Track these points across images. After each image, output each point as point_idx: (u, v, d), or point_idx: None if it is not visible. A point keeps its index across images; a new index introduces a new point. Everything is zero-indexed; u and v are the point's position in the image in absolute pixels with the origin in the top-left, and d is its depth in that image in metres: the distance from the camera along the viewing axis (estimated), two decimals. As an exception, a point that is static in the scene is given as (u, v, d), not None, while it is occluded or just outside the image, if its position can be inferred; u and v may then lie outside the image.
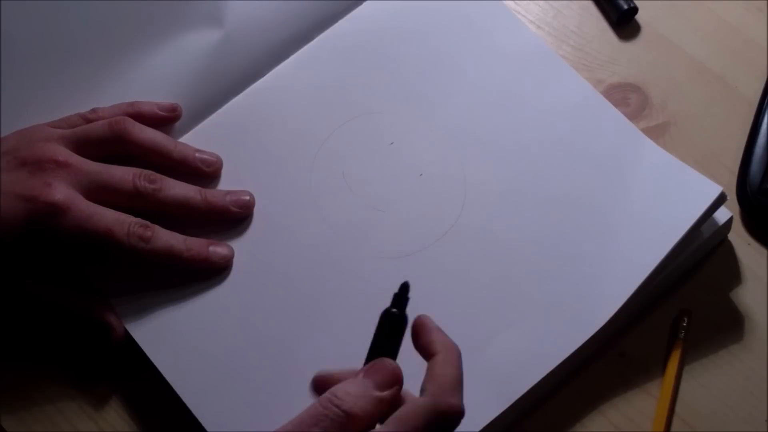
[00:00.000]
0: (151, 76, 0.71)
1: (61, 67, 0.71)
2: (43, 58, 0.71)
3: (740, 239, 0.68)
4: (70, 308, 0.65)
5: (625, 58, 0.74)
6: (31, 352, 0.65)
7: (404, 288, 0.55)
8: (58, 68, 0.71)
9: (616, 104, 0.70)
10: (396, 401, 0.53)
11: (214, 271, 0.65)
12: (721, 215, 0.66)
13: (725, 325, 0.66)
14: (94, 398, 0.65)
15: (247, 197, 0.67)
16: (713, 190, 0.64)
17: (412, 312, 0.55)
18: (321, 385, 0.55)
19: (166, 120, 0.69)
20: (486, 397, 0.61)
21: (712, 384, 0.64)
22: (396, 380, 0.53)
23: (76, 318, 0.65)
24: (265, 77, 0.72)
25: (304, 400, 0.61)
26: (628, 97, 0.73)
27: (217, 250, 0.65)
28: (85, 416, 0.64)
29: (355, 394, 0.52)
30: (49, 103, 0.69)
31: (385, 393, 0.53)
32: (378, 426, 0.52)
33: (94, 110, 0.68)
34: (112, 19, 0.72)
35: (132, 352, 0.64)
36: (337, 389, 0.52)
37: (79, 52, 0.72)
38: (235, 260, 0.66)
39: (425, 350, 0.55)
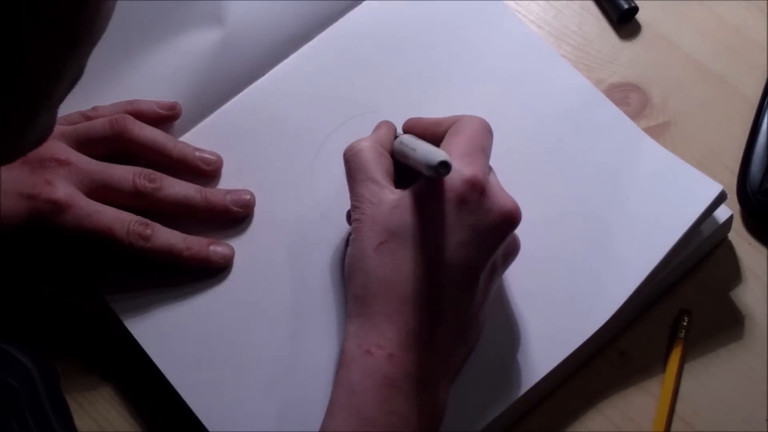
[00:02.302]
0: (152, 76, 0.71)
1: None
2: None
3: (740, 239, 0.68)
4: (70, 306, 0.66)
5: (625, 58, 0.74)
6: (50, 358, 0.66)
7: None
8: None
9: (616, 104, 0.70)
10: None
11: (215, 270, 0.65)
12: (722, 214, 0.66)
13: (725, 325, 0.66)
14: (94, 398, 0.65)
15: (248, 196, 0.67)
16: (713, 189, 0.64)
17: None
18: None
19: (165, 118, 0.69)
20: (486, 396, 0.61)
21: (712, 384, 0.64)
22: None
23: (76, 315, 0.65)
24: (265, 76, 0.72)
25: (304, 399, 0.61)
26: (628, 97, 0.73)
27: (218, 249, 0.65)
28: (86, 416, 0.64)
29: None
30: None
31: None
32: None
33: (94, 108, 0.68)
34: (113, 19, 0.72)
35: (133, 351, 0.64)
36: None
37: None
38: (235, 259, 0.66)
39: (443, 126, 0.62)
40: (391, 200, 0.58)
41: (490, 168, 0.60)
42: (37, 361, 0.57)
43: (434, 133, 0.62)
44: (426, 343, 0.55)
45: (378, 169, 0.60)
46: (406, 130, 0.64)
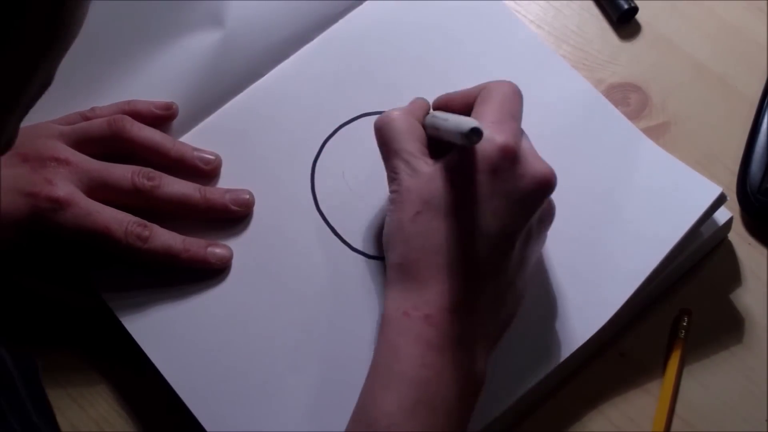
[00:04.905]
0: (152, 77, 0.71)
1: (63, 67, 0.70)
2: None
3: (740, 239, 0.68)
4: (68, 306, 0.66)
5: (625, 58, 0.74)
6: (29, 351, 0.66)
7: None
8: (59, 69, 0.71)
9: (616, 104, 0.70)
10: None
11: (213, 272, 0.65)
12: (721, 215, 0.66)
13: (725, 325, 0.66)
14: (94, 398, 0.65)
15: (247, 196, 0.67)
16: (713, 191, 0.64)
17: None
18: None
19: (162, 118, 0.69)
20: (486, 396, 0.60)
21: (712, 384, 0.64)
22: None
23: (75, 314, 0.65)
24: (265, 77, 0.72)
25: (302, 399, 0.61)
26: (628, 97, 0.73)
27: (216, 251, 0.65)
28: (85, 416, 0.64)
29: None
30: (50, 103, 0.69)
31: None
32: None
33: (92, 109, 0.69)
34: (113, 20, 0.72)
35: (132, 351, 0.64)
36: None
37: (81, 52, 0.71)
38: (234, 259, 0.66)
39: (472, 96, 0.61)
40: (426, 172, 0.58)
41: (523, 132, 0.60)
42: (15, 356, 0.56)
43: (464, 104, 0.62)
44: (463, 306, 0.56)
45: (411, 139, 0.60)
46: (436, 107, 0.64)
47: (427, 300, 0.56)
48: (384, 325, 0.57)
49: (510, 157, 0.57)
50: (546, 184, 0.58)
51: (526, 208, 0.58)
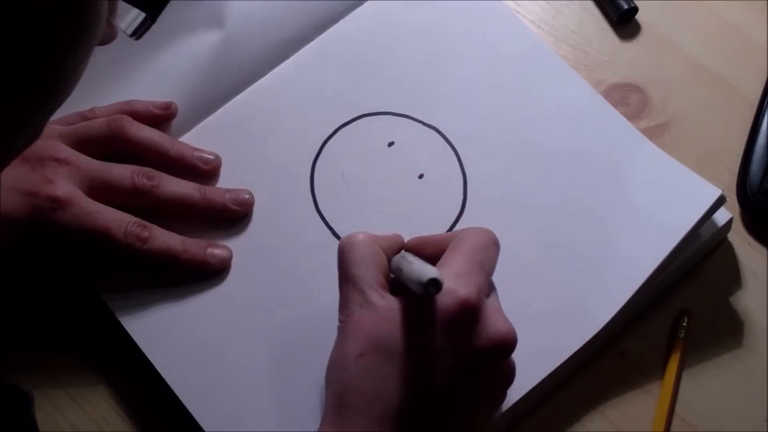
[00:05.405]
0: (152, 76, 0.71)
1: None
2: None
3: (740, 239, 0.68)
4: (68, 306, 0.66)
5: (625, 58, 0.74)
6: (28, 352, 0.66)
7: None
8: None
9: (616, 104, 0.70)
10: None
11: (213, 272, 0.65)
12: (721, 217, 0.66)
13: (725, 325, 0.65)
14: (94, 398, 0.65)
15: (247, 196, 0.67)
16: (713, 193, 0.64)
17: None
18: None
19: (161, 118, 0.69)
20: (486, 397, 0.61)
21: (712, 384, 0.64)
22: None
23: (75, 314, 0.65)
24: (265, 77, 0.72)
25: (301, 400, 0.62)
26: (628, 97, 0.73)
27: (215, 252, 0.65)
28: (85, 416, 0.64)
29: None
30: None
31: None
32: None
33: (92, 109, 0.69)
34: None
35: (132, 352, 0.64)
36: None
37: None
38: (234, 259, 0.66)
39: (445, 242, 0.58)
40: (380, 308, 0.55)
41: (492, 286, 0.58)
42: (7, 397, 0.54)
43: (436, 250, 0.58)
44: None
45: (370, 267, 0.56)
46: (408, 249, 0.60)
47: None
48: None
49: (469, 313, 0.54)
50: (503, 347, 0.55)
51: (479, 367, 0.55)
